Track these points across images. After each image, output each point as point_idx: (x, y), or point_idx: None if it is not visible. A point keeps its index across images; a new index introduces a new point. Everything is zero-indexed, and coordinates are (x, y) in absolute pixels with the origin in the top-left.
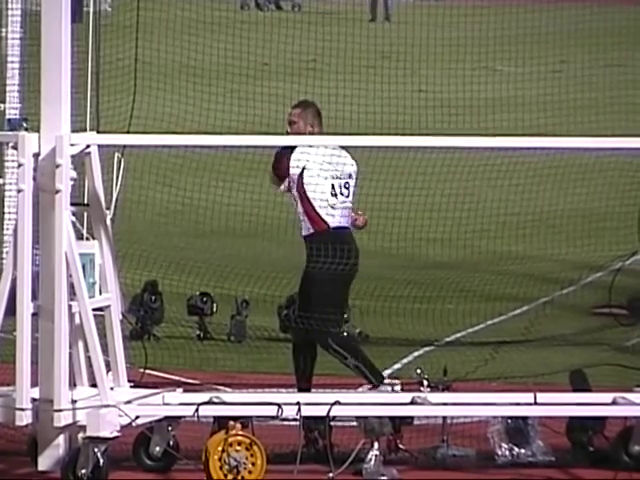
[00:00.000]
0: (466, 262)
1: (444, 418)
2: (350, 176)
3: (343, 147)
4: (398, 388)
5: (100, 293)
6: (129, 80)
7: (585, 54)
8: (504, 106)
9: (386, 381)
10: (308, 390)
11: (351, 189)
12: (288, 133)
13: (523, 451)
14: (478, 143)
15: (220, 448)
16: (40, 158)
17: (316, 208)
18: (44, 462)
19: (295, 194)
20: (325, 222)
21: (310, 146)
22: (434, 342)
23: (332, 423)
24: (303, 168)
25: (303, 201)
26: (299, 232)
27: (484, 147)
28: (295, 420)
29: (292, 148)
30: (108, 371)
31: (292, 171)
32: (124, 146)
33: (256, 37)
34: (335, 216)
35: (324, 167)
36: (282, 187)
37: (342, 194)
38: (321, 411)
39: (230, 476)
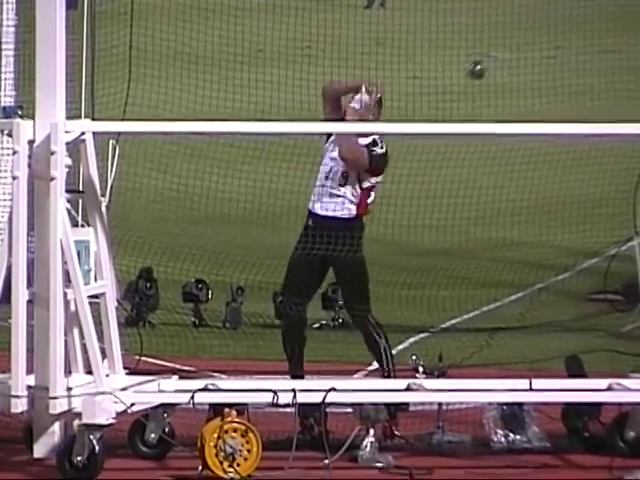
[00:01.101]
0: (461, 249)
1: (439, 404)
2: None
3: None
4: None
5: (95, 280)
6: (124, 67)
7: (580, 40)
8: (499, 92)
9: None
10: (302, 377)
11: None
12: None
13: (518, 437)
14: (473, 130)
15: (216, 435)
16: (35, 145)
17: (369, 196)
18: (40, 449)
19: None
20: (366, 209)
21: None
22: (429, 328)
23: (327, 410)
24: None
25: (359, 182)
26: (326, 210)
27: (479, 134)
28: (290, 406)
29: None
30: (103, 358)
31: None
32: (119, 133)
33: (250, 24)
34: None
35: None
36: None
37: None
38: (317, 398)
39: (226, 463)
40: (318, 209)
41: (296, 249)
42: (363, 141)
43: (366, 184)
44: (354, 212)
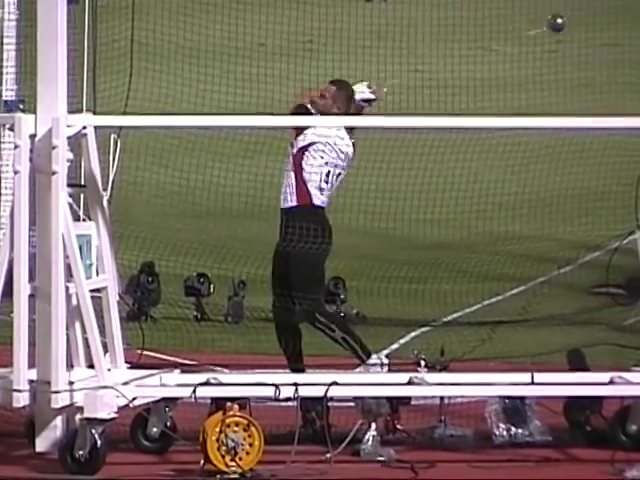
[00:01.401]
0: (463, 242)
1: (441, 398)
2: (344, 168)
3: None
4: (386, 361)
5: (97, 274)
6: (125, 61)
7: (581, 33)
8: (500, 86)
9: (373, 356)
10: (302, 370)
11: (338, 180)
12: (311, 103)
13: (520, 431)
14: (475, 123)
15: (218, 429)
16: (36, 139)
17: (307, 183)
18: (41, 443)
19: (291, 161)
20: (310, 198)
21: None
22: (431, 322)
23: (329, 404)
24: (312, 142)
25: (297, 172)
26: (279, 203)
27: (481, 127)
28: (292, 400)
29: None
30: (105, 352)
31: (302, 138)
32: (120, 127)
33: (252, 18)
34: (319, 197)
35: (328, 150)
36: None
37: (331, 183)
38: (318, 392)
39: (228, 457)
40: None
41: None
42: None
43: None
44: (294, 201)
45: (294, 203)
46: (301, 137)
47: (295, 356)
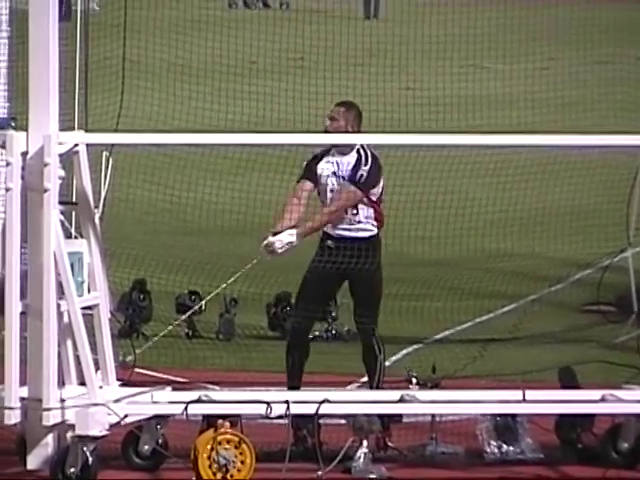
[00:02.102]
0: (454, 260)
1: (433, 416)
2: None
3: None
4: None
5: (89, 292)
6: (117, 79)
7: (573, 51)
8: (492, 103)
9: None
10: (298, 388)
11: None
12: (327, 130)
13: (512, 448)
14: (466, 141)
15: (209, 446)
16: (28, 157)
17: (382, 212)
18: (33, 461)
19: (372, 196)
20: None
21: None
22: (423, 340)
23: (321, 421)
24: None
25: (375, 205)
26: (349, 235)
27: (472, 145)
28: (283, 417)
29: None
30: (97, 370)
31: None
32: (112, 145)
33: (244, 35)
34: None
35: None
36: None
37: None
38: (310, 409)
39: (219, 474)
40: (339, 231)
41: (313, 265)
42: (349, 160)
43: (373, 197)
44: (374, 230)
45: (375, 232)
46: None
47: (299, 375)
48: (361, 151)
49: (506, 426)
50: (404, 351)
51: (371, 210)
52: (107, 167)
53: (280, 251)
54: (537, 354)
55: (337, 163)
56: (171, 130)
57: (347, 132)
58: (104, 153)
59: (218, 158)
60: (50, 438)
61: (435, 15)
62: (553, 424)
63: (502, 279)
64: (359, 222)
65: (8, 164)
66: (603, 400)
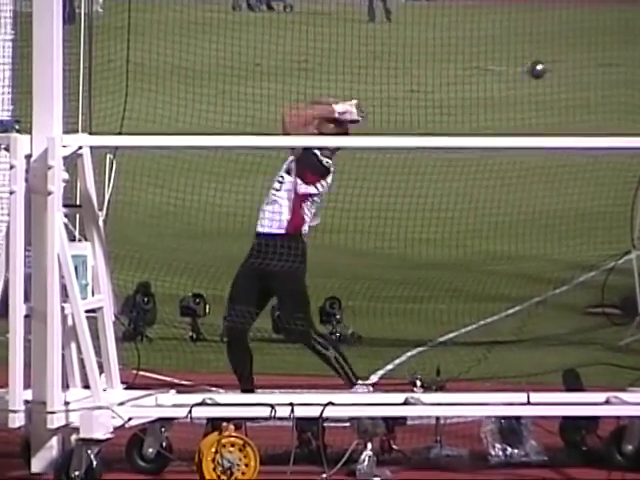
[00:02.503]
0: (459, 262)
1: (437, 418)
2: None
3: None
4: (371, 389)
5: (93, 295)
6: (121, 81)
7: (577, 53)
8: (496, 106)
9: (359, 382)
10: (252, 390)
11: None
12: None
13: (516, 451)
14: (470, 143)
15: (213, 449)
16: (32, 160)
17: (301, 218)
18: (37, 464)
19: (290, 187)
20: (300, 229)
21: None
22: (427, 342)
23: (325, 424)
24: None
25: (296, 200)
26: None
27: (476, 147)
28: (288, 420)
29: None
30: (101, 373)
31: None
32: (116, 147)
33: (247, 38)
34: (305, 228)
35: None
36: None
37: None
38: (314, 412)
39: (223, 477)
40: (259, 227)
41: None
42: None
43: (301, 189)
44: (284, 228)
45: (282, 231)
46: (315, 187)
47: (249, 376)
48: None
49: (511, 429)
50: (408, 353)
51: (286, 204)
52: (111, 170)
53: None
54: (541, 356)
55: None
56: (175, 133)
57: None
58: (108, 156)
59: (222, 161)
60: (54, 441)
61: (439, 18)
62: (557, 426)
63: (506, 281)
64: (276, 204)
65: (12, 167)
66: (607, 402)
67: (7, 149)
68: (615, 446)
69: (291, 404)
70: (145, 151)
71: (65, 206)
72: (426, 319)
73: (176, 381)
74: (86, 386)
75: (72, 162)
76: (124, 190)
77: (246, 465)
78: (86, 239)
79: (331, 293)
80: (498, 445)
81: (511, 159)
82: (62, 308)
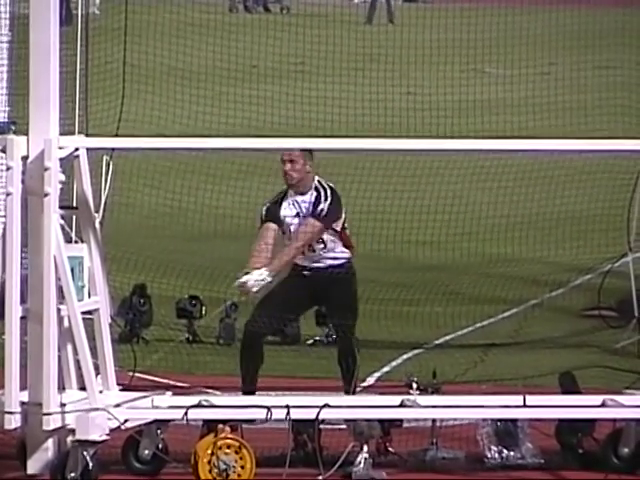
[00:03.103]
0: (455, 264)
1: (433, 421)
2: None
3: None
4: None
5: (89, 296)
6: (117, 83)
7: (574, 56)
8: (493, 108)
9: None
10: (253, 393)
11: None
12: (286, 173)
13: (512, 453)
14: (467, 145)
15: (209, 451)
16: (29, 161)
17: (349, 237)
18: (33, 465)
19: (336, 227)
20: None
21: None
22: (423, 345)
23: (321, 426)
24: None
25: (340, 234)
26: (322, 264)
27: (473, 149)
28: (284, 422)
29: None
30: (97, 374)
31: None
32: (113, 149)
33: (244, 40)
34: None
35: None
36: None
37: None
38: (310, 414)
39: (219, 479)
40: (313, 264)
41: (285, 282)
42: (309, 199)
43: (337, 228)
44: (346, 254)
45: (348, 255)
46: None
47: (253, 379)
48: (319, 188)
49: (507, 431)
50: (405, 356)
51: (336, 238)
52: (107, 171)
53: (254, 290)
54: (538, 359)
55: (297, 203)
56: (172, 134)
57: (306, 172)
58: (104, 157)
59: (219, 162)
60: (50, 443)
61: (436, 20)
62: (554, 429)
63: (503, 284)
64: (329, 251)
65: (9, 168)
66: (604, 405)
67: (4, 151)
68: (611, 449)
69: (287, 406)
70: (142, 153)
71: (61, 208)
72: (422, 321)
73: (172, 383)
74: (82, 388)
75: (69, 164)
76: (120, 192)
77: (242, 467)
78: (82, 241)
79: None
80: (494, 447)
81: (507, 161)
82: (58, 310)
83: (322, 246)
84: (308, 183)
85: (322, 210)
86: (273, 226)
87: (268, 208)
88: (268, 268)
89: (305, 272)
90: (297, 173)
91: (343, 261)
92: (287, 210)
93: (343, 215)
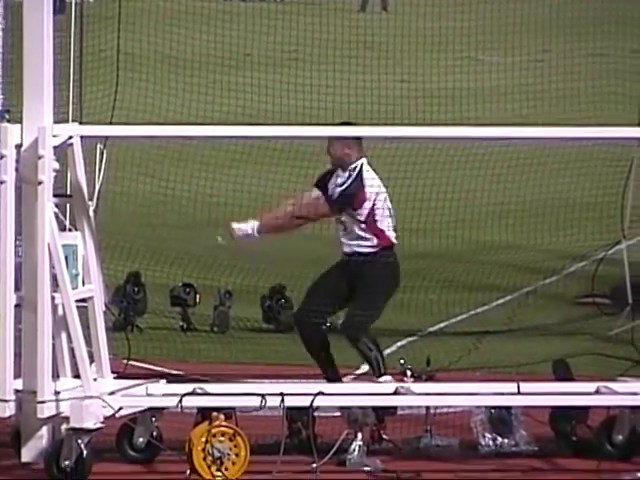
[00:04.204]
0: (449, 252)
1: (427, 408)
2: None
3: None
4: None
5: (83, 284)
6: (111, 71)
7: (567, 43)
8: (486, 96)
9: (387, 377)
10: (339, 379)
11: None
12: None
13: (506, 441)
14: (460, 133)
15: (204, 439)
16: (22, 149)
17: (384, 227)
18: (27, 453)
19: (358, 217)
20: (390, 239)
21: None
22: (417, 332)
23: (315, 413)
24: (377, 194)
25: (369, 221)
26: (349, 249)
27: (466, 137)
28: (278, 410)
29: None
30: (91, 362)
31: (368, 197)
32: (107, 137)
33: (238, 28)
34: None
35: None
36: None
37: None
38: (304, 402)
39: (214, 467)
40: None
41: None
42: (341, 179)
43: (359, 216)
44: (374, 246)
45: (376, 248)
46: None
47: (331, 366)
48: (352, 173)
49: (500, 418)
50: (398, 343)
51: (363, 227)
52: (101, 160)
53: (235, 237)
54: (531, 346)
55: (337, 178)
56: (165, 122)
57: (343, 152)
58: (98, 146)
59: (213, 150)
60: (44, 431)
61: (429, 7)
62: (547, 416)
63: (497, 271)
64: (354, 238)
65: (2, 157)
66: (597, 392)
67: None
68: (605, 436)
69: (281, 394)
70: (136, 141)
71: (55, 196)
72: (416, 309)
73: (166, 371)
74: (76, 376)
75: (62, 152)
76: (114, 180)
77: (236, 455)
78: (76, 229)
79: None
80: (488, 435)
81: (501, 149)
82: (52, 298)
83: (342, 227)
84: (345, 164)
85: (334, 193)
86: (316, 192)
87: (321, 176)
88: (257, 225)
89: (343, 258)
90: (333, 152)
91: (370, 250)
92: (332, 181)
93: (367, 205)
